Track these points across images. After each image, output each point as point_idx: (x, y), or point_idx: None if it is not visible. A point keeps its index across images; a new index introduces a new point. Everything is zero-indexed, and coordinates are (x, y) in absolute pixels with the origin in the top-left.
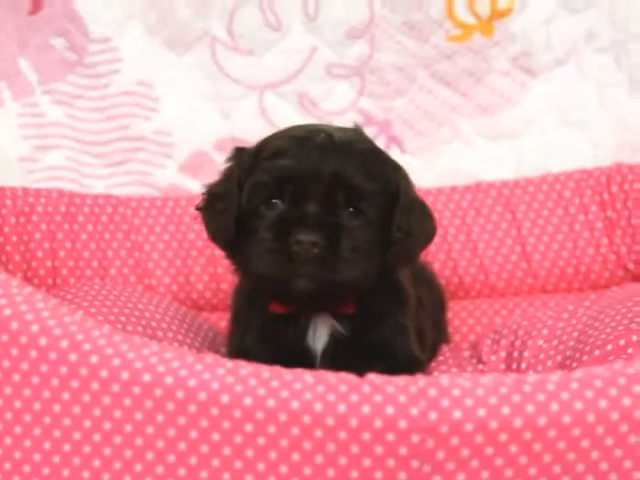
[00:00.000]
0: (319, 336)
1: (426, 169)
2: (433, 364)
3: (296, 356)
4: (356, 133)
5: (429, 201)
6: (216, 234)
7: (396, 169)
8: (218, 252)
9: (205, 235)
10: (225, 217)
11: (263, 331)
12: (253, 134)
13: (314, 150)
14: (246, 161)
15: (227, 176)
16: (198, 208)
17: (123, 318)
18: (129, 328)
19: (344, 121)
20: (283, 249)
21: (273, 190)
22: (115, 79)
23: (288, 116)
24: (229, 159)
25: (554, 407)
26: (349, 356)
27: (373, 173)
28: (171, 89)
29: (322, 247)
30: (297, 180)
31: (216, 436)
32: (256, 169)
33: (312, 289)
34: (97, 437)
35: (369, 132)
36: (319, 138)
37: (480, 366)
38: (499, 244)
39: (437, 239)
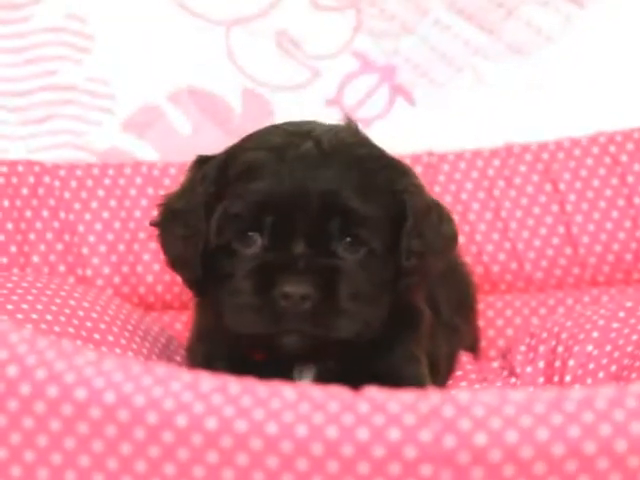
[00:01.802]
0: (306, 371)
1: (441, 127)
2: (450, 381)
3: None
4: (350, 133)
5: (445, 169)
6: (176, 262)
7: (403, 175)
8: None
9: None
10: (188, 248)
11: (233, 363)
12: (217, 83)
13: (297, 164)
14: (211, 176)
15: (188, 190)
16: (153, 224)
17: (49, 317)
18: (57, 329)
19: (335, 66)
20: (266, 304)
21: (249, 221)
22: (37, 10)
23: (262, 60)
24: (190, 169)
25: (605, 430)
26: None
27: (375, 188)
28: (110, 25)
29: (315, 299)
30: (278, 208)
31: (170, 469)
32: (226, 191)
33: (303, 346)
34: (16, 471)
35: (368, 80)
36: (303, 146)
37: (512, 380)
38: (536, 223)
39: (456, 217)
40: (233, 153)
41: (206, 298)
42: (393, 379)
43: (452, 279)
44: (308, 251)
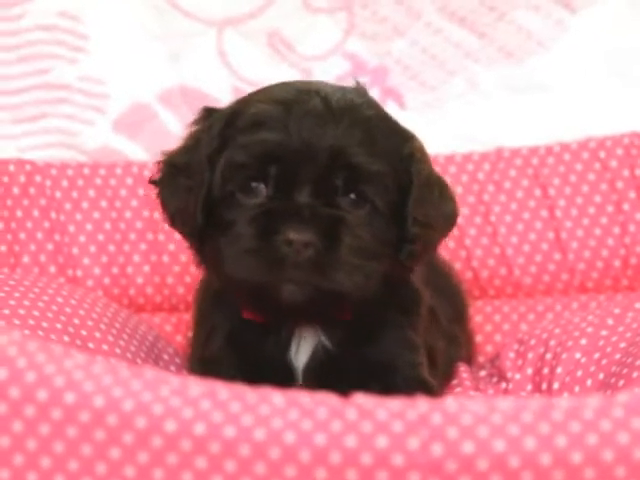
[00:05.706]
0: (302, 348)
1: (432, 131)
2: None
3: (274, 370)
4: (358, 94)
5: None
6: (176, 216)
7: (408, 140)
8: (163, 236)
9: (156, 214)
10: (191, 199)
11: (233, 335)
12: (209, 83)
13: (306, 118)
14: (217, 127)
15: (192, 144)
16: (153, 181)
17: (36, 312)
18: (44, 324)
19: (327, 68)
20: (268, 249)
21: (253, 171)
22: (30, 9)
23: (254, 61)
24: (196, 122)
25: (592, 440)
26: (338, 375)
27: (381, 148)
28: (104, 24)
29: (318, 248)
30: (285, 159)
31: (159, 474)
32: (230, 142)
33: (303, 298)
34: (5, 475)
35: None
36: (312, 102)
37: (503, 385)
38: (526, 228)
39: None
40: (239, 106)
41: (206, 257)
42: (387, 366)
43: (447, 291)
44: (313, 201)
